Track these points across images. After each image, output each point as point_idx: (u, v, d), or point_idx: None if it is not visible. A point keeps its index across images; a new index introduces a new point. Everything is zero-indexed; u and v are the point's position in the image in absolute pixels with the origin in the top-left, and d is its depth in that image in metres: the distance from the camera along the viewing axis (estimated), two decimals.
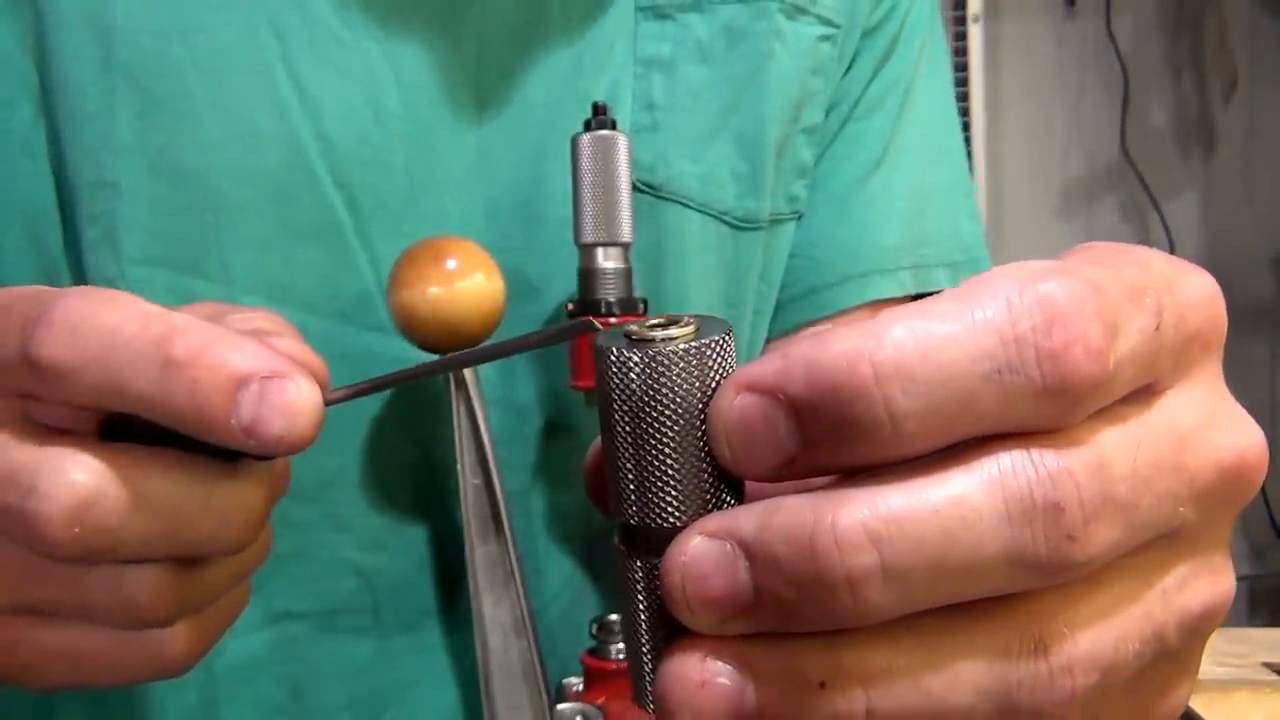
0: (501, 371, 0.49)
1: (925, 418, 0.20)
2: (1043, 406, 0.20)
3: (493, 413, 0.48)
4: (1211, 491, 0.22)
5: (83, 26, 0.44)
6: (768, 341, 0.57)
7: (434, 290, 0.43)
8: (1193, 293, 0.23)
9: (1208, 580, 0.23)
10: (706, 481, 0.22)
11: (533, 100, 0.49)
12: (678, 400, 0.21)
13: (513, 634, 0.46)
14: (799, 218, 0.56)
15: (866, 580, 0.19)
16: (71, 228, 0.45)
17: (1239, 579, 2.12)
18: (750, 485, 0.23)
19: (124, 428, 0.28)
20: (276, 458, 0.30)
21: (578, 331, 0.23)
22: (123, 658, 0.30)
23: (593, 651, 0.48)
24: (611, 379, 0.21)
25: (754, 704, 0.21)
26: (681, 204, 0.51)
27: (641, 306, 0.47)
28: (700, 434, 0.21)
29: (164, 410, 0.26)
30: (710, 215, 0.52)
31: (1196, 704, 0.60)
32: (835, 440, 0.20)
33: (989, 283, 0.20)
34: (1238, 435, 0.23)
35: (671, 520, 0.22)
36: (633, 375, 0.21)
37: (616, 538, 0.23)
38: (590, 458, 0.26)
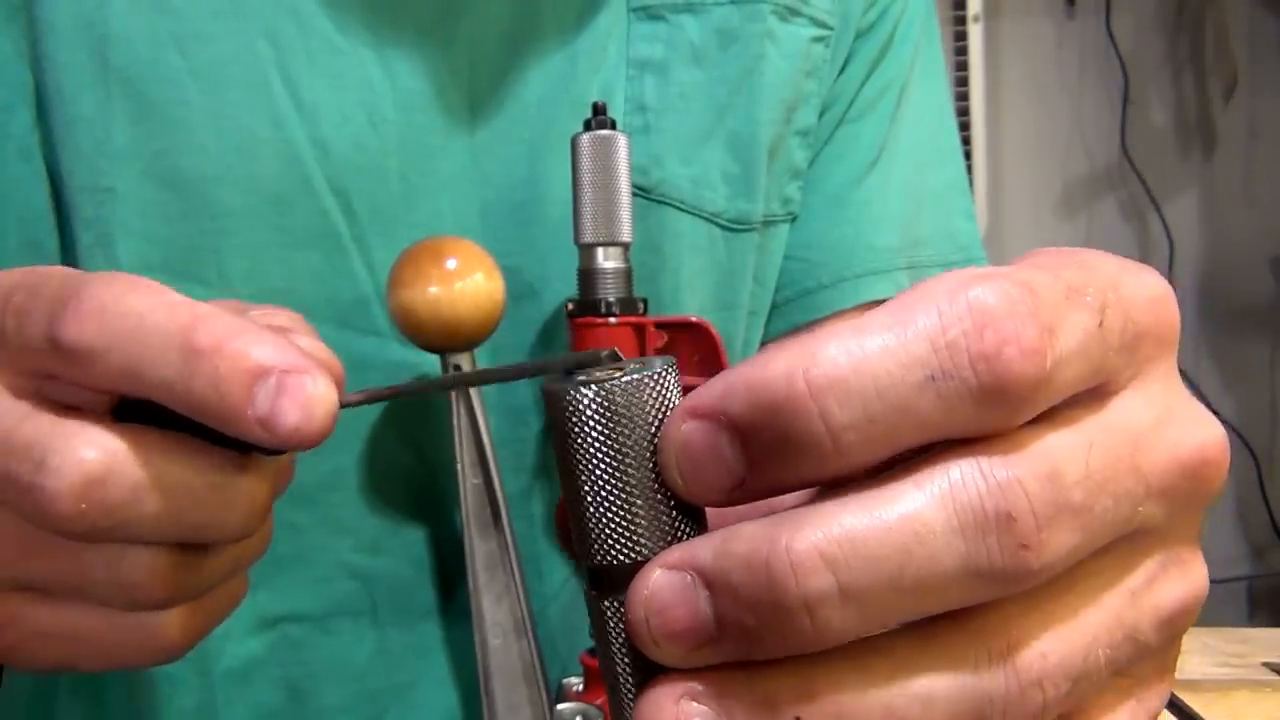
0: None
1: (865, 429, 0.20)
2: (984, 410, 0.20)
3: (491, 415, 0.48)
4: (1173, 489, 0.22)
5: (78, 33, 0.44)
6: (763, 344, 0.57)
7: (433, 290, 0.43)
8: (1140, 291, 0.23)
9: (1177, 574, 0.23)
10: (666, 514, 0.22)
11: (526, 103, 0.49)
12: (631, 433, 0.21)
13: (513, 634, 0.46)
14: (793, 219, 0.56)
15: (825, 602, 0.19)
16: (68, 233, 0.45)
17: (1239, 579, 2.12)
18: (713, 515, 0.23)
19: (136, 410, 0.28)
20: (286, 452, 0.30)
21: (590, 362, 0.23)
22: (116, 640, 0.30)
23: (593, 652, 0.48)
24: (566, 419, 0.22)
25: None
26: (673, 206, 0.51)
27: (641, 306, 0.47)
28: (656, 466, 0.22)
29: (183, 397, 0.26)
30: (702, 217, 0.52)
31: (1196, 704, 0.60)
32: (780, 458, 0.20)
33: (921, 292, 0.20)
34: (1196, 431, 0.23)
35: (636, 556, 0.22)
36: (586, 412, 0.21)
37: (585, 583, 0.23)
38: (559, 506, 0.26)
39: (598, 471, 0.22)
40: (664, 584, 0.21)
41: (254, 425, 0.26)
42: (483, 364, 0.47)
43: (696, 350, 0.46)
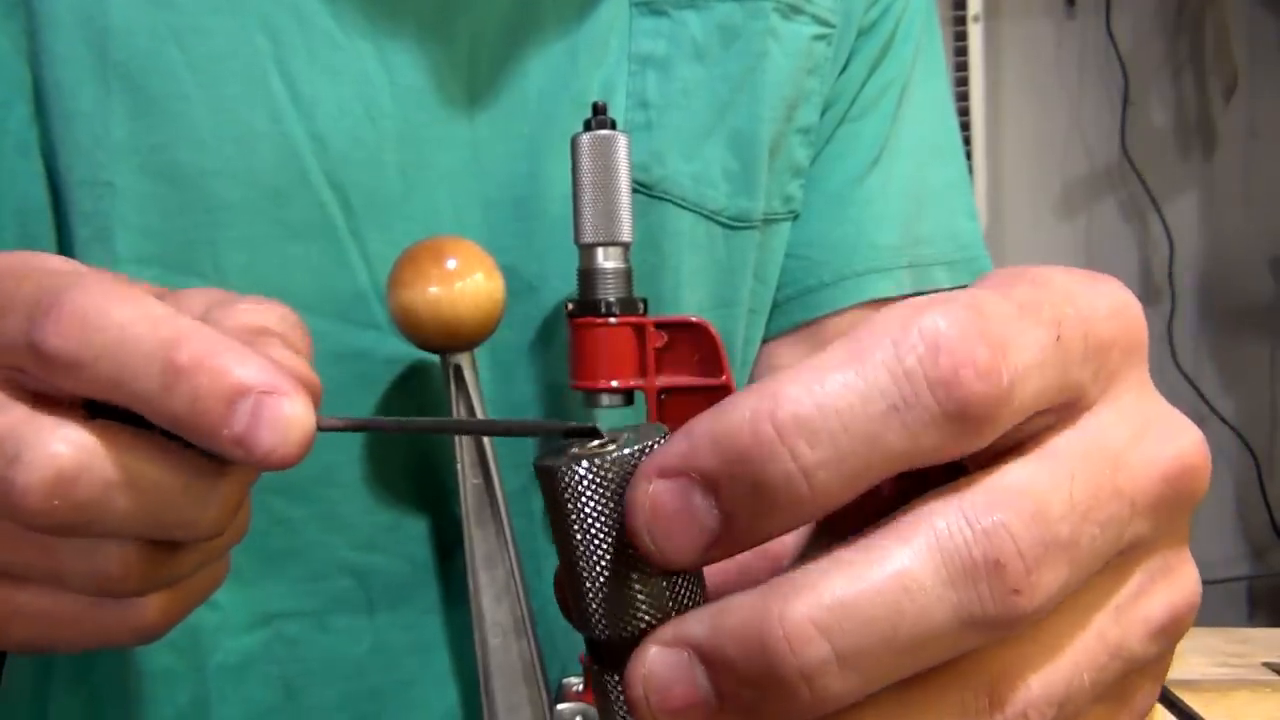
0: (499, 372, 0.49)
1: (837, 466, 0.20)
2: (950, 434, 0.20)
3: (491, 413, 0.48)
4: (1158, 502, 0.22)
5: (76, 27, 0.44)
6: (764, 342, 0.57)
7: (433, 290, 0.43)
8: (1100, 302, 0.23)
9: (1165, 584, 0.23)
10: (666, 585, 0.22)
11: (527, 97, 0.49)
12: (624, 507, 0.21)
13: (513, 634, 0.46)
14: (794, 217, 0.56)
15: (822, 671, 0.19)
16: (65, 227, 0.45)
17: (1239, 579, 2.12)
18: (713, 577, 0.23)
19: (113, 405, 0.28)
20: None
21: (581, 433, 0.23)
22: (94, 622, 0.30)
23: None
24: (560, 494, 0.22)
25: None
26: (674, 203, 0.51)
27: (641, 306, 0.47)
28: None
29: (161, 412, 0.26)
30: (702, 215, 0.52)
31: (1196, 704, 0.60)
32: (755, 508, 0.20)
33: (874, 325, 0.20)
34: (1174, 440, 0.23)
35: (636, 629, 0.22)
36: (579, 487, 0.21)
37: (587, 655, 0.23)
38: (558, 573, 0.26)
39: (593, 545, 0.21)
40: (660, 662, 0.20)
41: (230, 444, 0.26)
42: (482, 363, 0.47)
43: (696, 350, 0.46)
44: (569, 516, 0.22)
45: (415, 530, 0.49)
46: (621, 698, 0.22)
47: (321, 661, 0.48)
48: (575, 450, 0.22)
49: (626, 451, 0.21)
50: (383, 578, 0.49)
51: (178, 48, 0.44)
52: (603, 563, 0.22)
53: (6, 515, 0.27)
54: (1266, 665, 0.68)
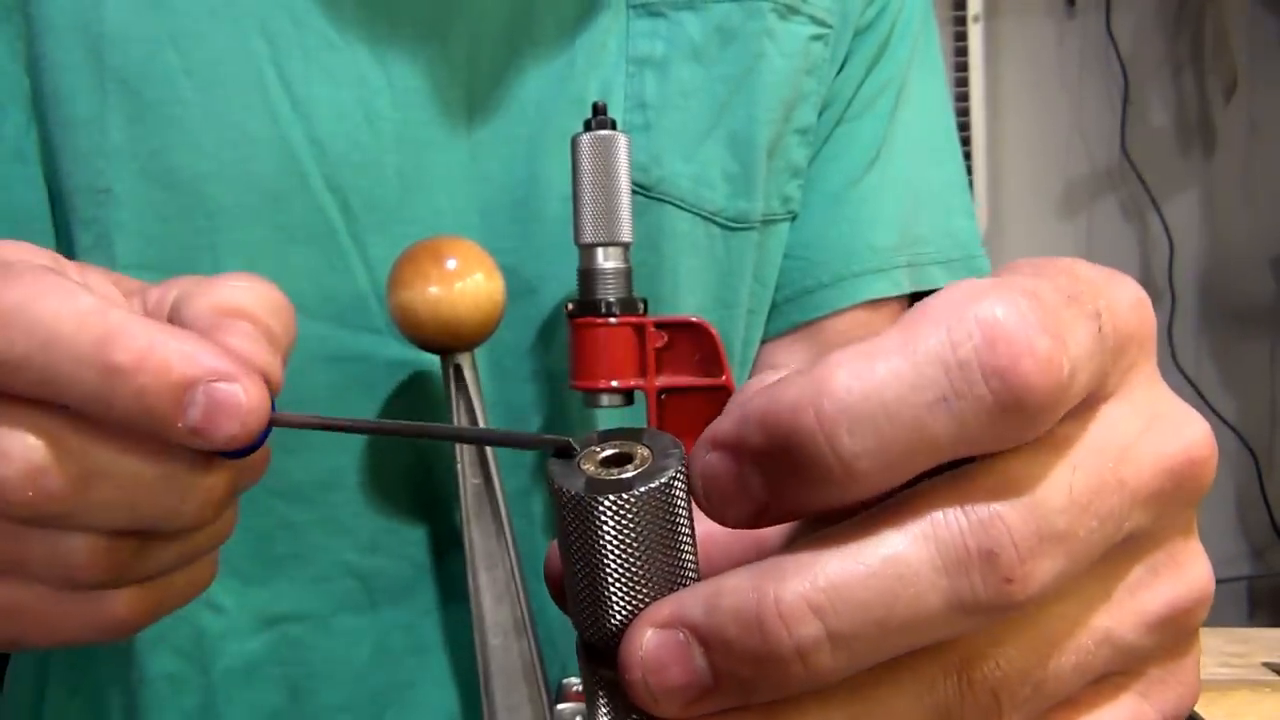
0: (499, 374, 0.49)
1: (878, 456, 0.20)
2: (1001, 425, 0.20)
3: (490, 414, 0.48)
4: (1160, 494, 0.22)
5: (73, 33, 0.44)
6: (763, 343, 0.57)
7: (433, 290, 0.43)
8: (1122, 294, 0.23)
9: (1168, 576, 0.23)
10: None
11: (525, 100, 0.49)
12: (648, 535, 0.21)
13: (513, 634, 0.46)
14: (793, 218, 0.56)
15: (816, 649, 0.20)
16: (67, 235, 0.45)
17: (1239, 579, 2.12)
18: (703, 545, 0.23)
19: None
20: (250, 454, 0.30)
21: (555, 446, 0.23)
22: (61, 616, 0.30)
23: None
24: (578, 519, 0.22)
25: None
26: (673, 204, 0.51)
27: (641, 306, 0.47)
28: (674, 553, 0.22)
29: (108, 414, 0.26)
30: (701, 216, 0.52)
31: (1197, 704, 0.60)
32: (798, 487, 0.20)
33: (927, 310, 0.20)
34: (1181, 434, 0.23)
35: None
36: (602, 518, 0.21)
37: (581, 654, 0.23)
38: (549, 563, 0.26)
39: (610, 567, 0.22)
40: (657, 643, 0.21)
41: (188, 436, 0.26)
42: (482, 365, 0.47)
43: (697, 350, 0.46)
44: (585, 539, 0.22)
45: (416, 532, 0.49)
46: (613, 691, 0.22)
47: (326, 663, 0.48)
48: (595, 474, 0.22)
49: (653, 486, 0.21)
50: (385, 579, 0.49)
51: (174, 52, 0.44)
52: (617, 583, 0.22)
53: None
54: (1266, 665, 0.68)
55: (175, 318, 0.31)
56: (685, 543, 0.22)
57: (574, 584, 0.22)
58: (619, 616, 0.22)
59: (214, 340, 0.28)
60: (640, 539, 0.21)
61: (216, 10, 0.45)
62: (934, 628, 0.20)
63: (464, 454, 0.45)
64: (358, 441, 0.48)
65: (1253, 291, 2.11)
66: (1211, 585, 0.24)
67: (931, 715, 0.21)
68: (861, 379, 0.20)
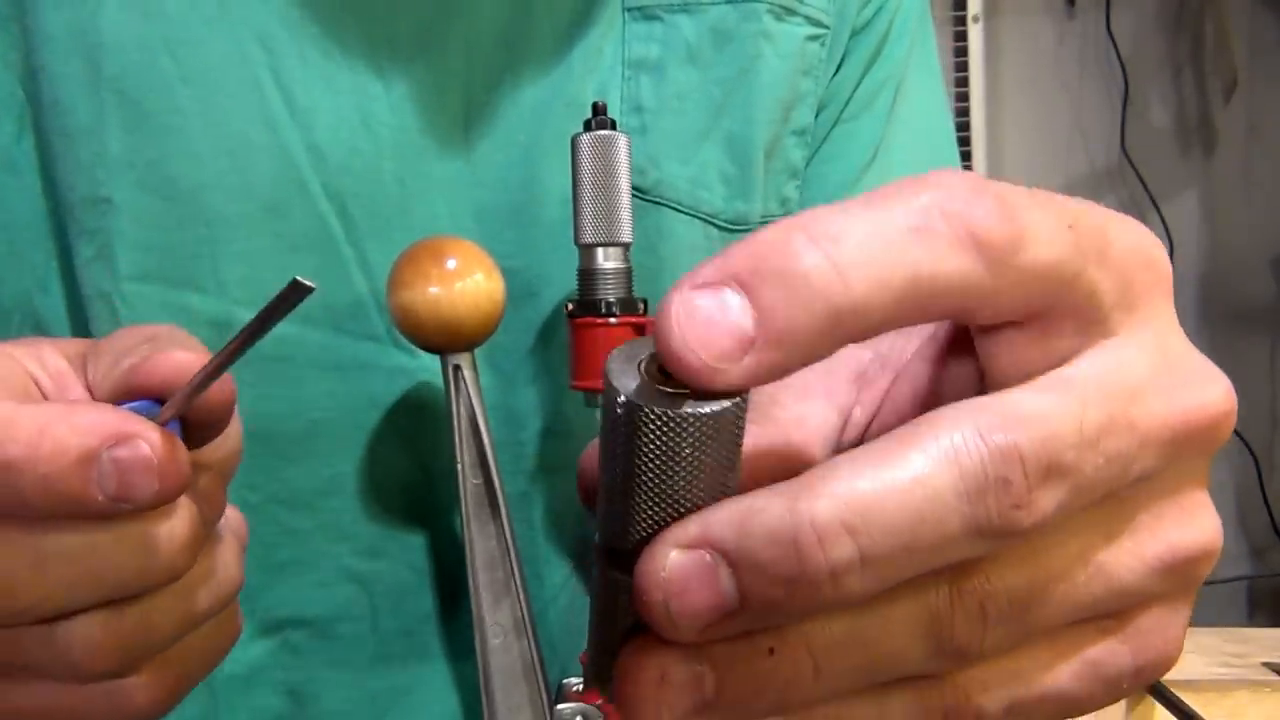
0: (498, 377, 0.49)
1: (866, 270, 0.20)
2: (969, 262, 0.20)
3: (492, 416, 0.47)
4: (1173, 443, 0.22)
5: (70, 42, 0.44)
6: None
7: (433, 290, 0.43)
8: (1123, 229, 0.23)
9: (1173, 523, 0.23)
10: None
11: (522, 105, 0.49)
12: (721, 452, 0.21)
13: (513, 634, 0.46)
14: None
15: (848, 570, 0.20)
16: (68, 247, 0.45)
17: (1239, 579, 2.12)
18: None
19: None
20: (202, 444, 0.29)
21: (295, 296, 0.22)
22: (85, 711, 0.29)
23: None
24: (634, 434, 0.20)
25: (713, 687, 0.21)
26: (670, 207, 0.51)
27: (642, 306, 0.47)
28: (725, 473, 0.21)
29: (27, 509, 0.25)
30: (699, 217, 0.52)
31: (1196, 704, 0.60)
32: (789, 303, 0.20)
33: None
34: (1201, 387, 0.23)
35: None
36: (682, 436, 0.20)
37: (600, 559, 0.22)
38: (584, 461, 0.25)
39: (647, 481, 0.21)
40: (681, 564, 0.20)
41: (113, 506, 0.25)
42: (482, 367, 0.47)
43: None
44: (642, 451, 0.20)
45: (417, 537, 0.49)
46: (626, 600, 0.22)
47: (327, 669, 0.48)
48: (665, 385, 0.21)
49: (729, 405, 0.20)
50: (386, 584, 0.49)
51: (171, 60, 0.44)
52: (665, 498, 0.21)
53: None
54: (1266, 665, 0.69)
55: (113, 371, 0.30)
56: (731, 474, 0.21)
57: (608, 489, 0.22)
58: (650, 532, 0.21)
59: (136, 376, 0.27)
60: (684, 459, 0.20)
61: (213, 18, 0.45)
62: (949, 551, 0.20)
63: (464, 455, 0.45)
64: (358, 448, 0.48)
65: (1253, 292, 2.11)
66: (1219, 539, 0.24)
67: (923, 621, 0.21)
68: (838, 222, 0.20)
